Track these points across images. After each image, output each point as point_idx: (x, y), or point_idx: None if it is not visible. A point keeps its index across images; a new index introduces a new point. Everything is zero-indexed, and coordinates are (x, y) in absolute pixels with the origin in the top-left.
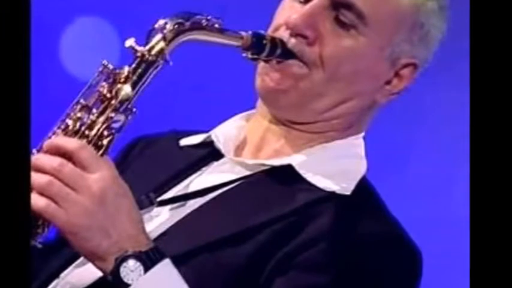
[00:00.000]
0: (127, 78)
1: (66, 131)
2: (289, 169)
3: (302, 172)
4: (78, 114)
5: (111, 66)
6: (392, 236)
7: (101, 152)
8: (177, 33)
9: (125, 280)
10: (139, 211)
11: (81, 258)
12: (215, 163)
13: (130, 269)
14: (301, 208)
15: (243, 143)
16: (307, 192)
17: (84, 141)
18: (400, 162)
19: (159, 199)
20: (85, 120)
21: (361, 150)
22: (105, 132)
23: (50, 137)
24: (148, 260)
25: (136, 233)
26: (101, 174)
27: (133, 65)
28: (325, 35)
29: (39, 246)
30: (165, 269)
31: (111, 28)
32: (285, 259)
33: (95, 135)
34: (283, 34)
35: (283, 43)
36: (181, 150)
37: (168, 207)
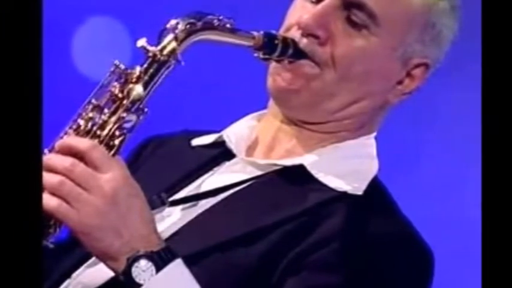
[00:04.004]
0: (139, 78)
1: (77, 131)
2: (300, 169)
3: (314, 172)
4: (90, 114)
5: (122, 66)
6: (404, 235)
7: (112, 152)
8: (189, 33)
9: (137, 280)
10: (151, 211)
11: (93, 258)
12: (227, 163)
13: (142, 269)
14: (312, 208)
15: (254, 143)
16: (319, 192)
17: (96, 141)
18: (412, 162)
19: (170, 199)
20: (97, 120)
21: (373, 150)
22: (117, 132)
23: (61, 137)
24: (160, 260)
25: (148, 233)
26: (112, 174)
27: (145, 65)
28: (336, 35)
29: (51, 246)
30: (177, 269)
31: (123, 28)
32: (296, 259)
33: (106, 135)
34: (295, 34)
35: (294, 43)
36: (193, 150)
37: (180, 207)
